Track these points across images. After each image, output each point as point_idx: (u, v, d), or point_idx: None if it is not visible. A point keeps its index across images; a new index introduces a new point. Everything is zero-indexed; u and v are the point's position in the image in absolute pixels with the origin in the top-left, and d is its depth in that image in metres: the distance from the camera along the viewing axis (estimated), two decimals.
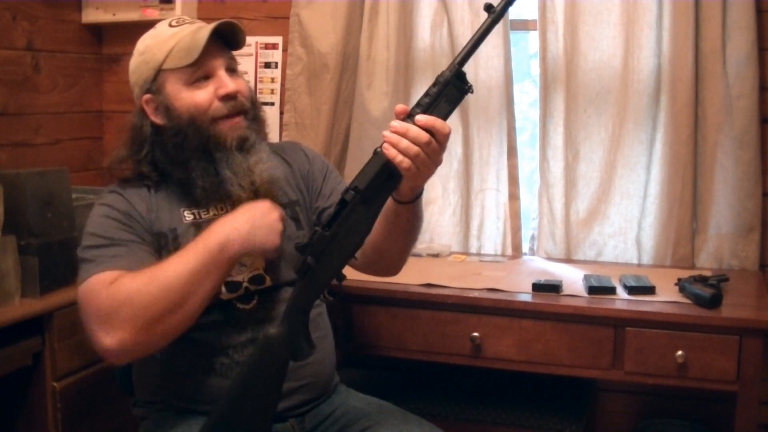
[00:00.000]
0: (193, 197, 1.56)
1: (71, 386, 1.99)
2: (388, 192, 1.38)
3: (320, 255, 1.38)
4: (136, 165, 1.59)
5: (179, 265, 1.41)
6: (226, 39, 1.59)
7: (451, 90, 1.32)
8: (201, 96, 1.54)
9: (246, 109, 1.58)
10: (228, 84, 1.55)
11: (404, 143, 1.30)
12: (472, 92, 1.34)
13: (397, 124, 1.31)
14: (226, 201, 1.56)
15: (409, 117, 1.32)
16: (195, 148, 1.54)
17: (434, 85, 1.32)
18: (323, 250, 1.37)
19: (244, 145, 1.55)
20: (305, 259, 1.38)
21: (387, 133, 1.31)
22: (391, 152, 1.30)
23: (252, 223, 1.45)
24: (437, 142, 1.31)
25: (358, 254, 1.45)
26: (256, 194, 1.54)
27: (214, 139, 1.54)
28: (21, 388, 1.96)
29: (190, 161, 1.55)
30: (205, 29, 1.54)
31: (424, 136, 1.30)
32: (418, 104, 1.33)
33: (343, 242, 1.37)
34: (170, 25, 1.59)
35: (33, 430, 1.96)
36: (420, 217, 1.52)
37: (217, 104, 1.54)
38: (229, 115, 1.55)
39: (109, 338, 1.37)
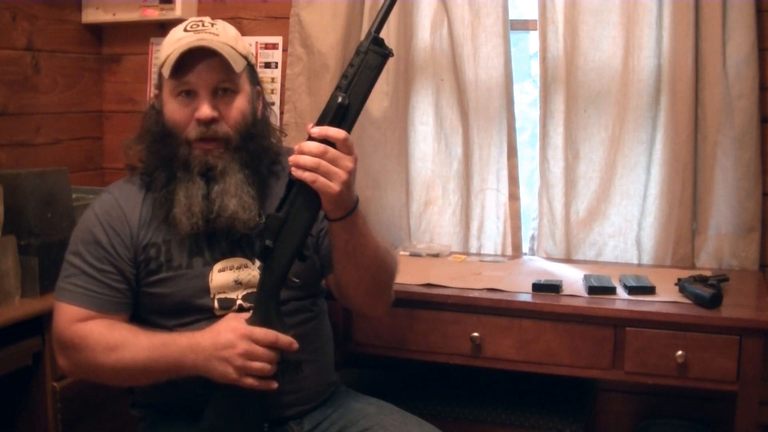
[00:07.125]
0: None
1: (71, 386, 1.99)
2: None
3: (277, 236, 1.42)
4: (140, 153, 1.59)
5: (141, 351, 1.45)
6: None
7: (372, 57, 1.39)
8: (180, 113, 1.52)
9: (226, 137, 1.53)
10: (202, 108, 1.50)
11: (302, 159, 1.36)
12: (392, 55, 1.41)
13: (296, 146, 1.38)
14: (170, 223, 1.53)
15: (338, 88, 1.40)
16: (164, 158, 1.53)
17: (356, 54, 1.39)
18: (278, 231, 1.42)
19: (208, 173, 1.52)
20: (263, 242, 1.42)
21: (290, 158, 1.38)
22: (296, 172, 1.37)
23: (211, 352, 1.41)
24: (337, 148, 1.37)
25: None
26: (210, 224, 1.52)
27: (183, 158, 1.52)
28: (21, 388, 1.96)
29: (156, 170, 1.55)
30: (185, 47, 1.50)
31: (318, 147, 1.36)
32: (344, 75, 1.40)
33: (296, 221, 1.41)
34: (184, 29, 1.56)
35: (33, 430, 1.96)
36: (361, 239, 1.48)
37: (192, 125, 1.52)
38: (202, 140, 1.52)
39: (61, 360, 1.54)
